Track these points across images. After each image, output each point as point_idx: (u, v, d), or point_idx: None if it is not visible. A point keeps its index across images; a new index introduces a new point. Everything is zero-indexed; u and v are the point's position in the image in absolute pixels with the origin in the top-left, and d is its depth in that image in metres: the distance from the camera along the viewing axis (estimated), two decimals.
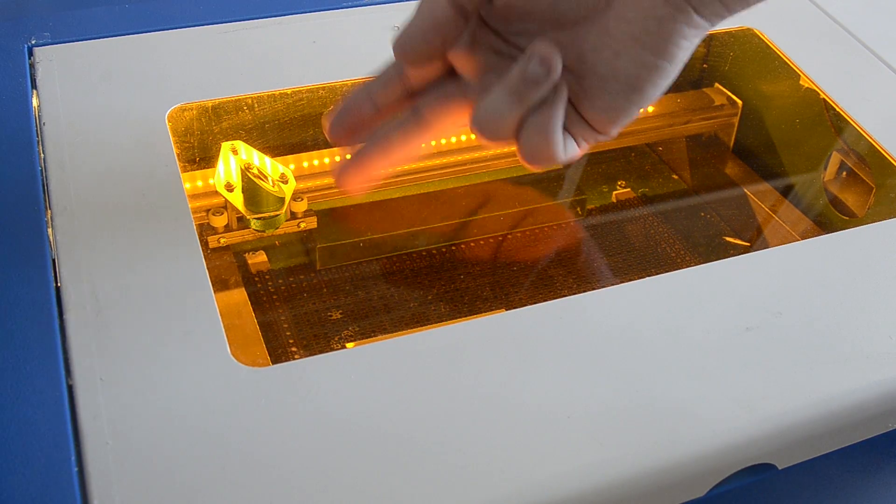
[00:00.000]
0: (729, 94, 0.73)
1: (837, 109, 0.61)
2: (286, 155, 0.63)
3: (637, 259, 0.66)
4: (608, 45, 0.40)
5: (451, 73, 0.43)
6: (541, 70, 0.39)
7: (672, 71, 0.40)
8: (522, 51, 0.42)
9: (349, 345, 0.56)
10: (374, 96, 0.43)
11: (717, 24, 0.40)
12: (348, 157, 0.43)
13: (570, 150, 0.42)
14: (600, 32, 0.40)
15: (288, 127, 0.62)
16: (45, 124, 0.52)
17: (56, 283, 0.44)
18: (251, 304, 0.57)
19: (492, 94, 0.41)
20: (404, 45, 0.40)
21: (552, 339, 0.43)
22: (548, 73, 0.39)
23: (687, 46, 0.40)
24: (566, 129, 0.42)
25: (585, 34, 0.40)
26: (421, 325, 0.59)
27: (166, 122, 0.54)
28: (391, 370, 0.41)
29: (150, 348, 0.41)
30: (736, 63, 0.72)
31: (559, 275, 0.63)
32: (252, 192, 0.55)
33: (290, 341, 0.56)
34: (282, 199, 0.56)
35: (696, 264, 0.48)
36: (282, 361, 0.44)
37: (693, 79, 0.75)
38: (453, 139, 0.65)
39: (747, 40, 0.69)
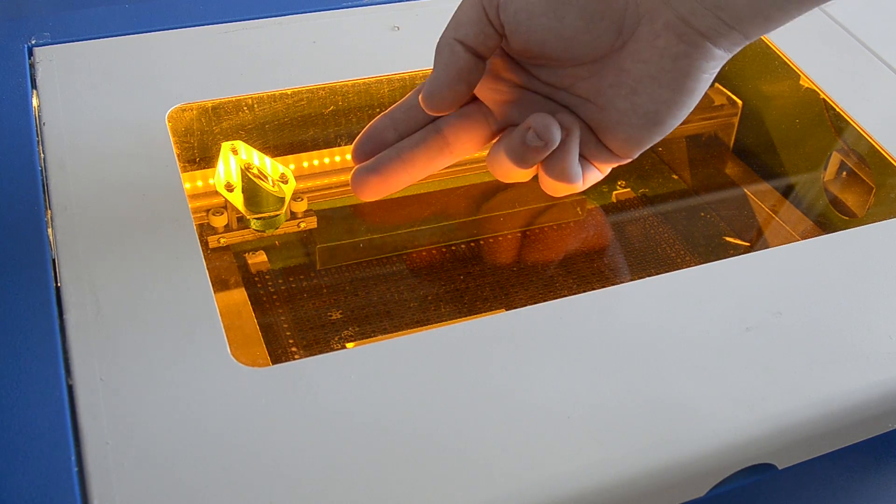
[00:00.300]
0: (729, 94, 0.73)
1: (837, 109, 0.61)
2: (286, 155, 0.63)
3: (637, 259, 0.66)
4: (625, 82, 0.40)
5: (473, 97, 0.44)
6: (538, 143, 0.40)
7: (693, 102, 0.40)
8: (543, 83, 0.42)
9: (349, 345, 0.56)
10: (397, 123, 0.44)
11: (736, 52, 0.39)
12: (367, 163, 0.43)
13: (590, 178, 0.43)
14: (617, 71, 0.40)
15: (288, 127, 0.62)
16: (45, 124, 0.52)
17: (56, 283, 0.44)
18: (251, 304, 0.57)
19: (501, 146, 0.41)
20: (433, 98, 0.41)
21: (552, 339, 0.43)
22: (545, 145, 0.40)
23: (707, 79, 0.40)
24: (586, 157, 0.42)
25: (603, 71, 0.40)
26: (421, 326, 0.59)
27: (166, 122, 0.54)
28: (391, 370, 0.41)
29: (150, 348, 0.41)
30: (736, 63, 0.72)
31: (559, 275, 0.63)
32: (252, 192, 0.55)
33: (290, 341, 0.56)
34: (282, 199, 0.56)
35: (696, 264, 0.48)
36: (282, 361, 0.44)
37: None
38: None
39: None
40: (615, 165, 0.44)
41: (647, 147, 0.42)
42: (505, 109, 0.43)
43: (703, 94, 0.40)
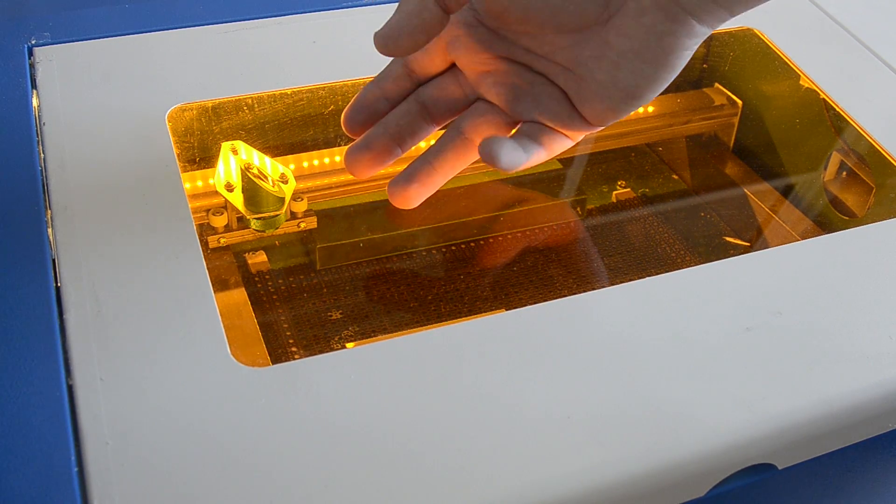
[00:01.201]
0: (729, 94, 0.73)
1: (837, 109, 0.61)
2: (286, 155, 0.63)
3: (637, 259, 0.66)
4: (608, 56, 0.40)
5: (451, 64, 0.44)
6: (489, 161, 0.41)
7: (672, 77, 0.40)
8: (523, 49, 0.42)
9: (349, 345, 0.56)
10: (385, 91, 0.44)
11: (718, 27, 0.40)
12: (359, 142, 0.44)
13: (557, 147, 0.43)
14: (600, 44, 0.40)
15: (288, 127, 0.62)
16: (45, 124, 0.52)
17: (56, 283, 0.44)
18: (251, 304, 0.57)
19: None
20: (387, 44, 0.41)
21: (552, 339, 0.43)
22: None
23: (688, 55, 0.40)
24: (558, 128, 0.42)
25: (585, 42, 0.41)
26: (421, 325, 0.59)
27: (166, 122, 0.54)
28: (391, 370, 0.41)
29: (150, 348, 0.41)
30: (736, 63, 0.72)
31: (559, 275, 0.63)
32: (252, 192, 0.55)
33: (290, 341, 0.56)
34: (282, 199, 0.56)
35: (696, 264, 0.48)
36: (282, 361, 0.44)
37: (693, 79, 0.75)
38: None
39: (747, 40, 0.69)
40: (587, 133, 0.44)
41: (622, 117, 0.42)
42: (480, 78, 0.43)
43: (681, 68, 0.40)
